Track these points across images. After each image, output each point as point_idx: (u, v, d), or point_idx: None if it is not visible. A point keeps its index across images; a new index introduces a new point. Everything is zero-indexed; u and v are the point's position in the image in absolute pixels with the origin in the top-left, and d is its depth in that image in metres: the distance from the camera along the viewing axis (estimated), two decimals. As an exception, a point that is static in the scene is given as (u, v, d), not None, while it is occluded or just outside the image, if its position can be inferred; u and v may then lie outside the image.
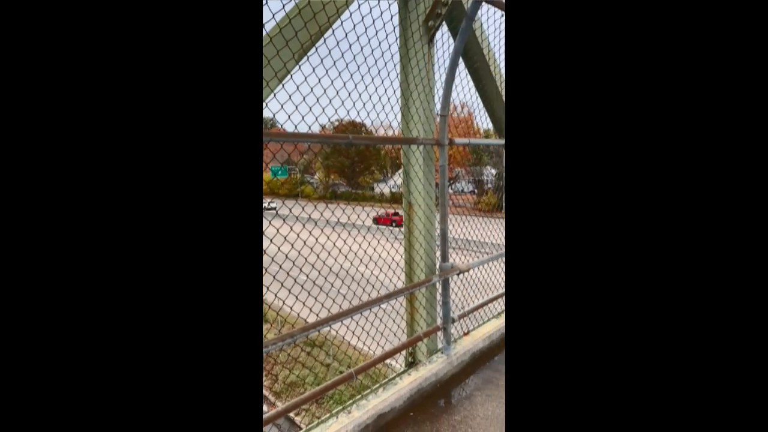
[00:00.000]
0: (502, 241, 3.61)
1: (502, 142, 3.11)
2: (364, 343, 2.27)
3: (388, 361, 2.34)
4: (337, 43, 1.80)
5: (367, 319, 2.18)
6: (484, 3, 2.27)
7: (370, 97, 2.09)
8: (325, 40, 1.80)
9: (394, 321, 2.55)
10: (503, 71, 2.99)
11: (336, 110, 1.91)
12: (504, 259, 3.08)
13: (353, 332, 2.19)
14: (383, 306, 2.11)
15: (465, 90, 3.02)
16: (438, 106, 2.42)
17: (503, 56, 2.93)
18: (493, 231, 3.72)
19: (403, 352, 2.59)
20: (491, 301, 2.91)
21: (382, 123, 2.43)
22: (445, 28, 2.54)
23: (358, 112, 2.08)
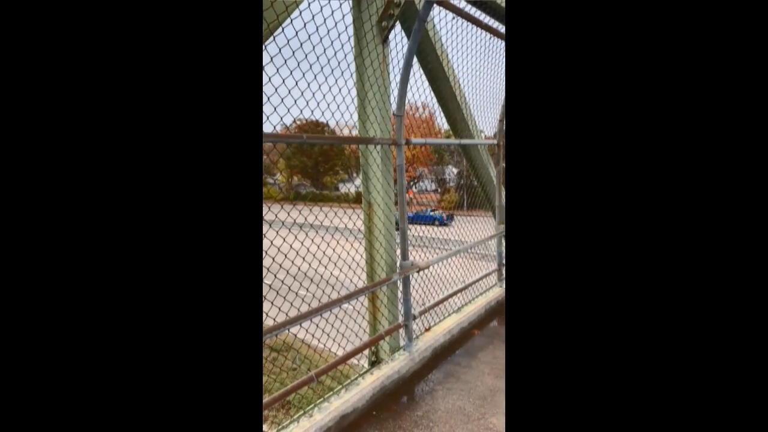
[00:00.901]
0: (462, 237, 3.70)
1: (458, 141, 3.20)
2: (324, 345, 2.24)
3: (355, 361, 2.33)
4: (287, 41, 1.76)
5: (327, 321, 2.16)
6: (435, 5, 2.32)
7: (324, 96, 2.07)
8: (274, 38, 1.76)
9: (355, 321, 2.55)
10: (457, 72, 3.07)
11: (288, 110, 1.88)
12: (462, 254, 3.16)
13: (313, 335, 2.16)
14: (345, 306, 2.10)
15: (422, 90, 3.06)
16: (394, 106, 2.44)
17: (456, 57, 3.00)
18: (454, 228, 3.81)
19: (366, 352, 2.59)
20: (451, 296, 2.98)
21: (338, 123, 2.42)
22: (399, 28, 2.57)
23: (312, 112, 2.05)
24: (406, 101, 2.41)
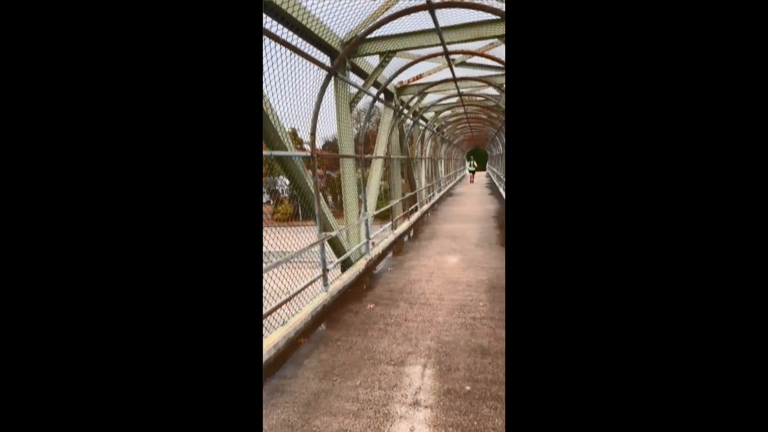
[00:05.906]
0: (285, 247, 3.69)
1: (270, 153, 3.19)
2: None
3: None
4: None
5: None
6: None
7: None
8: None
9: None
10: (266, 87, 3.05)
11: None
12: (285, 265, 3.15)
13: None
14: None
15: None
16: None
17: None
18: (286, 239, 3.76)
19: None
20: (274, 310, 2.94)
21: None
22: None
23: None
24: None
